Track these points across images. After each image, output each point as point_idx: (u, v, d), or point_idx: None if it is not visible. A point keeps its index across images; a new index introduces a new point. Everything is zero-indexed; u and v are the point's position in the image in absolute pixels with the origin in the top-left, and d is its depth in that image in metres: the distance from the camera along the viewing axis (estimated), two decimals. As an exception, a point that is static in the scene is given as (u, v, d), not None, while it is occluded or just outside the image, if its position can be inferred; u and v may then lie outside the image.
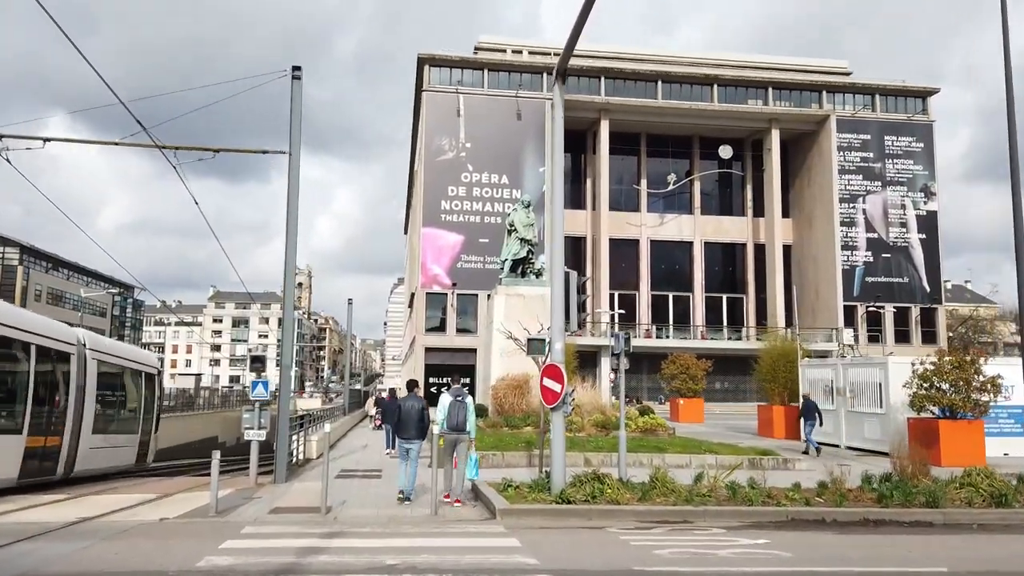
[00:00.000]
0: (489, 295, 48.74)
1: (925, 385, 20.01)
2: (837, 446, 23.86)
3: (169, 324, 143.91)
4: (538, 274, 30.41)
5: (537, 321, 29.16)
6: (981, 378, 19.42)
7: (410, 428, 11.94)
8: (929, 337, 53.40)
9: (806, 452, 21.78)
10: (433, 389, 47.82)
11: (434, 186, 49.83)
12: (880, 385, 22.35)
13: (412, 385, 12.92)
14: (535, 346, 11.79)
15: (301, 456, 19.11)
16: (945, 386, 19.82)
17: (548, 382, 11.57)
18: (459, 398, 11.70)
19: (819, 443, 24.13)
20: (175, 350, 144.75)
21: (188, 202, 15.45)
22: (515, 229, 30.21)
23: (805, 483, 12.59)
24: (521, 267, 30.16)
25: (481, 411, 28.69)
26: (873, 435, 22.56)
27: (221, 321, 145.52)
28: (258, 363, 14.67)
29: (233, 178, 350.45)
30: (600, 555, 8.02)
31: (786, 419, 28.08)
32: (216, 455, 10.99)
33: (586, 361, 39.88)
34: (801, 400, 23.84)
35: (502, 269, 30.53)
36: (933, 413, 20.29)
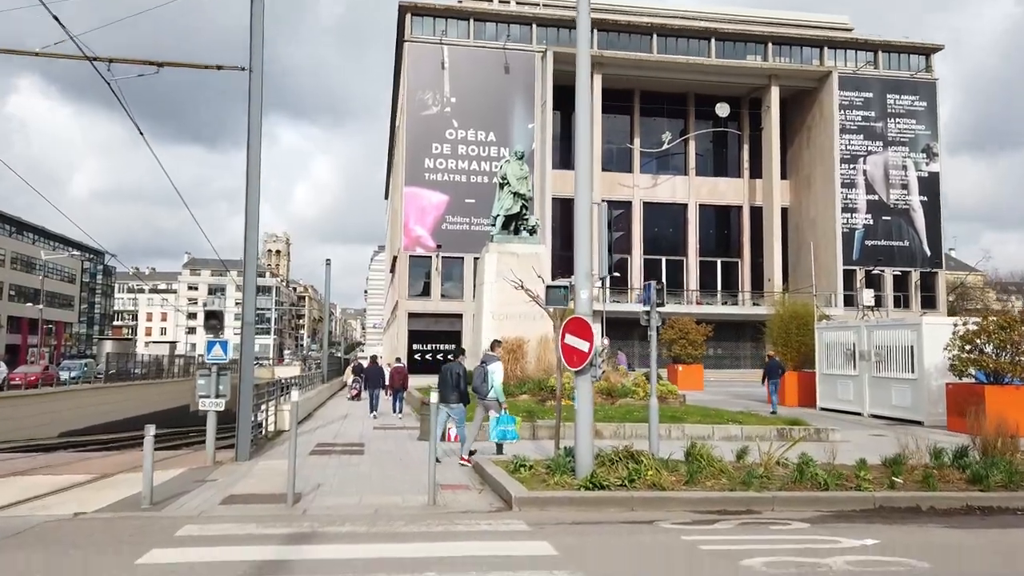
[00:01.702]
0: (476, 259, 46.40)
1: (968, 348, 18.06)
2: (859, 414, 21.94)
3: (143, 292, 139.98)
4: (532, 231, 28.00)
5: (530, 283, 26.89)
6: (1031, 339, 17.50)
7: (449, 393, 11.82)
8: (928, 302, 51.87)
9: (773, 412, 21.25)
10: (416, 356, 45.52)
11: (417, 143, 46.98)
12: (912, 348, 20.35)
13: (458, 352, 12.92)
14: (554, 295, 9.48)
15: (272, 428, 16.77)
16: (989, 348, 17.90)
17: (572, 339, 9.28)
18: (483, 363, 11.57)
19: (841, 410, 22.34)
20: (149, 318, 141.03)
21: (163, 169, 12.84)
22: (507, 182, 27.70)
23: (845, 456, 10.56)
24: (514, 223, 27.70)
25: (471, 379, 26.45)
26: (902, 402, 20.62)
27: (196, 289, 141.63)
28: (214, 320, 12.35)
29: (211, 145, 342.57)
30: (669, 568, 5.79)
31: (799, 385, 26.16)
32: (150, 431, 8.61)
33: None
34: (766, 360, 23.27)
35: (493, 226, 28.06)
36: (974, 378, 18.40)
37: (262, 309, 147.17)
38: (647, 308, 11.09)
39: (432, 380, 35.06)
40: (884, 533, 7.14)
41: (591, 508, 8.22)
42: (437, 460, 10.58)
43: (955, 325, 18.55)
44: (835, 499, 8.63)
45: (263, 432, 16.17)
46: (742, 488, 8.85)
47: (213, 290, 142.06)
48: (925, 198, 52.25)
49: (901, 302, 52.25)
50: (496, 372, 11.67)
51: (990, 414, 17.28)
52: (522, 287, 11.35)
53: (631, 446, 10.07)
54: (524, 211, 28.07)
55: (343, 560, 5.90)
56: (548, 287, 9.58)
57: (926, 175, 52.35)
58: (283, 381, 23.73)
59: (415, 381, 30.82)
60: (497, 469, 10.05)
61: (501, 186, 28.15)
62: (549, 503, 8.24)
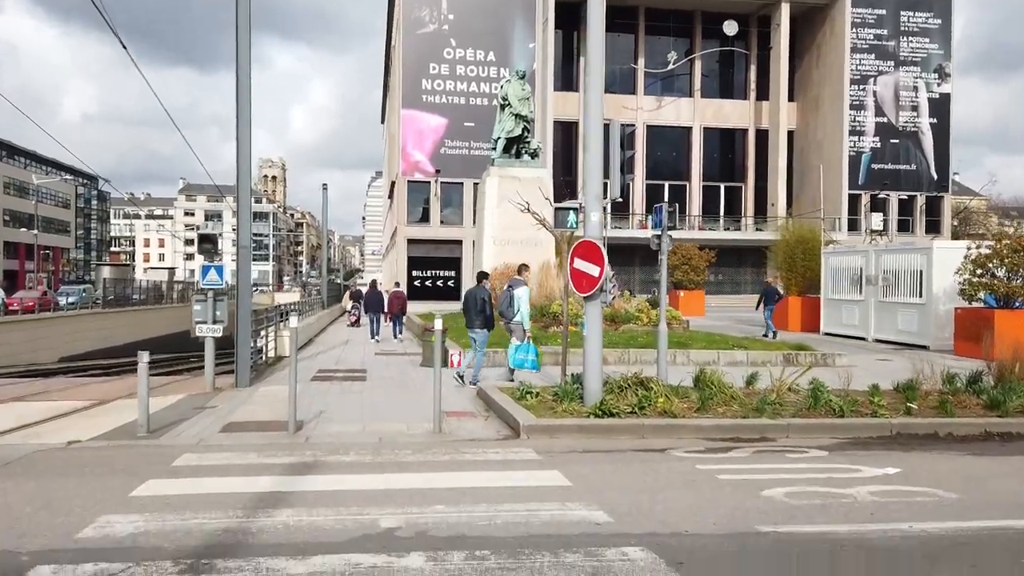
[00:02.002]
0: (477, 184, 45.54)
1: (979, 272, 17.73)
2: (864, 339, 21.82)
3: (139, 217, 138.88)
4: (534, 154, 27.25)
5: (533, 206, 26.34)
6: (1043, 263, 17.17)
7: (474, 318, 11.88)
8: (932, 227, 51.37)
9: (765, 335, 21.42)
10: (416, 283, 45.26)
11: (414, 63, 45.43)
12: (921, 273, 20.03)
13: (481, 276, 12.61)
14: (563, 218, 9.07)
15: (272, 354, 16.57)
16: (1001, 272, 17.58)
17: (582, 264, 8.87)
18: (510, 288, 11.40)
19: (846, 335, 22.22)
20: (147, 243, 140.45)
21: (152, 89, 12.18)
22: (508, 103, 26.79)
23: (855, 382, 10.33)
24: (516, 146, 26.93)
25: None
26: (908, 327, 20.44)
27: (193, 215, 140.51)
28: (208, 243, 11.80)
29: (204, 68, 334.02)
30: (689, 500, 5.55)
31: (802, 310, 25.97)
32: (143, 357, 8.28)
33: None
34: (763, 286, 23.37)
35: (494, 149, 27.30)
36: (983, 303, 18.15)
37: (260, 235, 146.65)
38: (658, 231, 10.66)
39: (432, 306, 35.03)
40: (905, 461, 6.92)
41: (601, 436, 7.99)
42: (465, 380, 11.42)
43: (968, 249, 18.17)
44: (851, 426, 8.41)
45: (263, 358, 15.96)
46: (755, 415, 8.62)
47: (210, 216, 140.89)
48: (934, 120, 51.02)
49: (907, 227, 51.70)
50: (523, 297, 11.41)
51: (999, 338, 17.14)
52: (528, 210, 10.87)
53: (640, 372, 9.83)
54: (526, 133, 27.26)
55: (348, 491, 5.65)
56: (556, 208, 9.13)
57: (937, 96, 50.97)
58: (282, 307, 23.50)
59: (415, 307, 30.65)
60: (503, 396, 9.82)
61: (502, 107, 27.24)
62: (558, 431, 8.01)
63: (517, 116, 26.57)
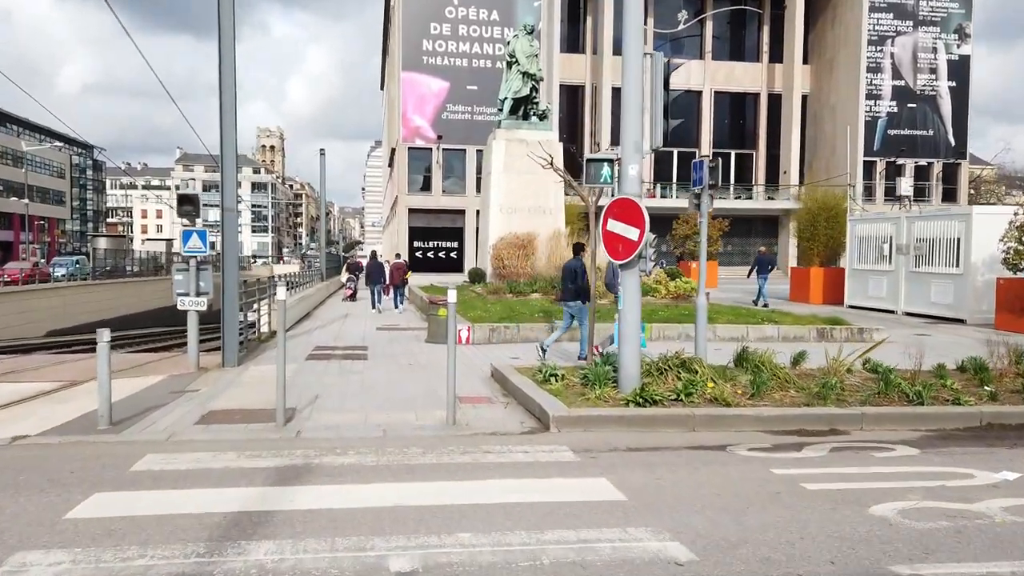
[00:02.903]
0: (480, 151, 43.95)
1: (1026, 238, 16.44)
2: (893, 312, 20.58)
3: (136, 188, 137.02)
4: (542, 116, 25.76)
5: (541, 173, 24.91)
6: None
7: (567, 290, 11.12)
8: (949, 195, 49.86)
9: (755, 303, 21.27)
10: (418, 254, 43.93)
11: (414, 23, 43.59)
12: (958, 241, 18.72)
13: (578, 248, 11.56)
14: (596, 171, 7.72)
15: (266, 329, 15.35)
16: (1049, 239, 16.32)
17: (618, 226, 7.58)
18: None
19: (873, 308, 21.02)
20: (144, 215, 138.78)
21: (144, 58, 10.95)
22: (516, 61, 25.25)
23: (892, 356, 9.37)
24: (523, 107, 25.43)
25: (479, 276, 24.96)
26: (943, 299, 19.19)
27: (190, 185, 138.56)
28: (188, 205, 10.48)
29: (203, 34, 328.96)
30: (783, 523, 4.34)
31: (825, 282, 24.69)
32: (104, 336, 7.05)
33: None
34: (758, 254, 23.00)
35: (500, 110, 25.81)
36: (1028, 273, 16.91)
37: (259, 206, 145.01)
38: (698, 189, 9.36)
39: (434, 278, 33.77)
40: (1018, 462, 5.72)
41: (644, 428, 6.78)
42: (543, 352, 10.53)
43: (1015, 214, 16.86)
44: (933, 415, 7.20)
45: (255, 334, 14.76)
46: (819, 402, 7.41)
47: (208, 186, 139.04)
48: (953, 83, 49.23)
49: (923, 194, 50.21)
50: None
51: (1048, 311, 15.94)
52: (551, 164, 9.56)
53: (681, 352, 8.61)
54: (534, 93, 25.75)
55: (346, 511, 4.44)
56: (588, 160, 7.79)
57: (956, 58, 49.10)
58: (278, 278, 22.24)
59: (417, 279, 29.38)
60: (523, 379, 8.61)
61: (509, 65, 25.69)
62: (593, 422, 6.80)
63: (525, 74, 25.05)
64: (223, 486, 4.94)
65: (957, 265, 18.62)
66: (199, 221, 11.22)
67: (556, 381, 8.35)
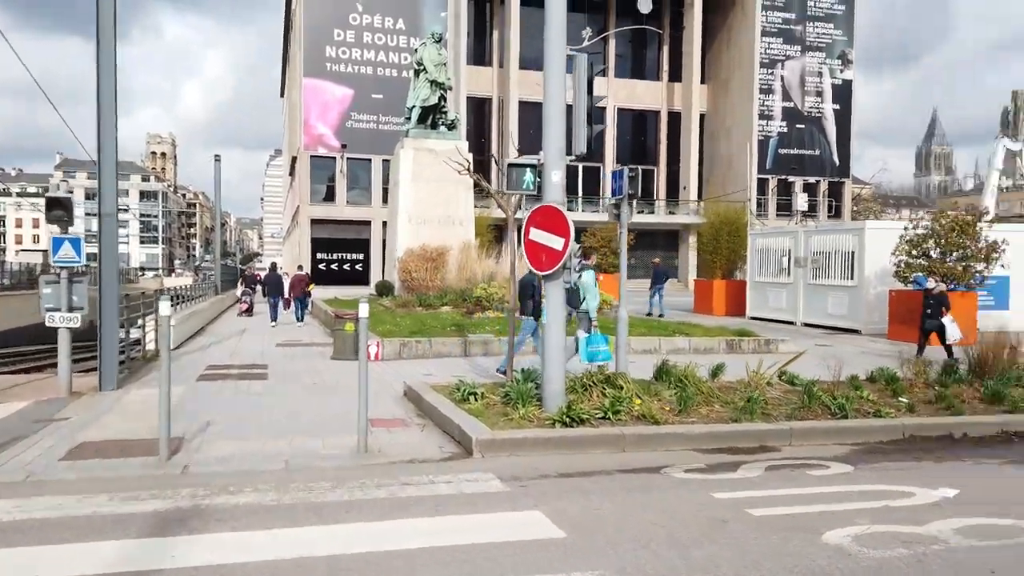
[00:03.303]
0: (386, 161, 42.94)
1: (915, 252, 17.23)
2: (792, 323, 21.19)
3: (9, 195, 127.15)
4: (451, 125, 25.32)
5: (451, 183, 24.46)
6: (981, 244, 16.82)
7: (525, 304, 10.58)
8: (835, 212, 52.64)
9: (650, 315, 21.49)
10: (322, 267, 42.39)
11: (317, 28, 42.25)
12: (853, 254, 19.48)
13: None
14: (517, 177, 7.27)
15: (152, 347, 14.07)
16: (935, 254, 17.16)
17: (540, 235, 7.16)
18: (576, 271, 9.69)
19: (773, 319, 21.60)
20: (19, 224, 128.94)
21: (32, 64, 9.65)
22: (424, 69, 24.72)
23: (803, 367, 9.41)
24: (432, 116, 24.90)
25: (387, 288, 24.12)
26: (839, 310, 19.90)
27: (72, 193, 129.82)
28: (59, 209, 9.33)
29: (89, 34, 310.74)
30: (736, 558, 3.97)
31: (727, 294, 25.26)
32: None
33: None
34: (653, 266, 23.51)
35: (408, 119, 25.19)
36: (915, 285, 17.72)
37: (148, 216, 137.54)
38: (616, 199, 9.09)
39: (339, 291, 32.56)
40: (951, 477, 5.62)
41: (573, 450, 6.35)
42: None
43: (905, 228, 17.67)
44: (857, 429, 7.11)
45: (140, 352, 13.52)
46: (747, 418, 7.20)
47: (91, 194, 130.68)
48: (837, 106, 52.15)
49: (813, 210, 52.76)
50: (590, 283, 9.92)
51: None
52: (468, 171, 9.06)
53: (605, 366, 8.26)
54: (443, 102, 25.26)
55: (240, 567, 3.74)
56: (511, 165, 7.34)
57: (840, 82, 52.05)
58: (168, 291, 20.68)
59: (321, 292, 28.20)
60: (439, 398, 8.03)
61: (417, 73, 25.11)
62: (519, 446, 6.30)
63: (433, 83, 24.54)
64: (88, 539, 4.13)
65: (852, 278, 19.34)
66: (73, 229, 10.06)
67: (476, 400, 7.82)
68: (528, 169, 7.18)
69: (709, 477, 5.59)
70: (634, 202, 9.55)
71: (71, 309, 9.65)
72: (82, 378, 11.12)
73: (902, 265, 17.14)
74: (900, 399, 8.45)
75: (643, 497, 5.01)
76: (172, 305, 17.09)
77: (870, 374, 9.50)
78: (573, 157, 7.20)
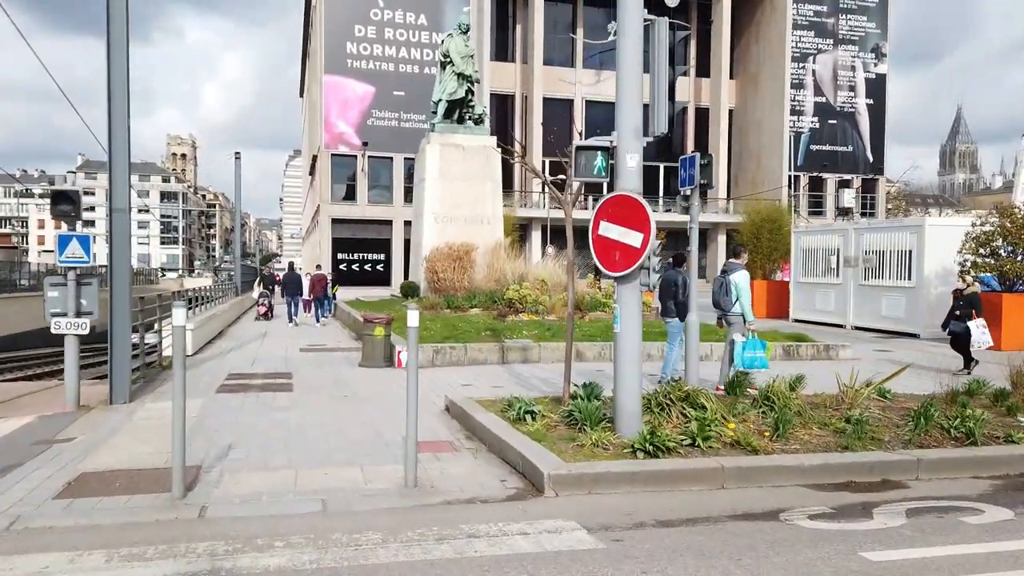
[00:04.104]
0: (407, 159, 42.05)
1: (983, 251, 16.01)
2: (841, 326, 20.00)
3: (32, 196, 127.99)
4: (479, 120, 24.27)
5: (478, 180, 23.46)
6: (1056, 241, 15.58)
7: (667, 304, 10.32)
8: (870, 210, 51.09)
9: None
10: (342, 267, 41.59)
11: (338, 24, 41.44)
12: (910, 253, 18.24)
13: (680, 260, 10.81)
14: (586, 162, 6.23)
15: (170, 352, 13.16)
16: (1004, 252, 15.96)
17: (612, 229, 6.11)
18: (725, 273, 9.80)
19: (819, 322, 20.39)
20: (41, 225, 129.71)
21: (53, 65, 8.85)
22: (450, 61, 23.71)
23: (869, 375, 8.18)
24: (459, 110, 23.88)
25: (412, 289, 23.16)
26: (894, 313, 18.66)
27: (94, 194, 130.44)
28: (66, 204, 8.41)
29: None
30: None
31: (768, 295, 24.07)
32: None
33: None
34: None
35: (434, 113, 24.19)
36: (984, 286, 16.48)
37: (168, 216, 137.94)
38: (688, 189, 8.02)
39: (360, 292, 31.63)
40: None
41: (662, 486, 5.29)
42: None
43: (972, 225, 16.43)
44: (994, 459, 5.98)
45: (157, 358, 12.63)
46: (857, 445, 6.09)
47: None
48: (871, 101, 50.57)
49: (842, 210, 51.26)
50: (742, 284, 9.37)
51: (1007, 325, 15.44)
52: (522, 159, 8.03)
53: (682, 380, 7.19)
54: (470, 96, 24.23)
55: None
56: (579, 148, 6.27)
57: (873, 77, 50.49)
58: (188, 293, 19.86)
59: (342, 294, 27.32)
60: (491, 417, 7.00)
61: (443, 66, 24.11)
62: (599, 482, 5.25)
63: (460, 76, 23.52)
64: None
65: (910, 278, 18.11)
66: (94, 230, 9.17)
67: (533, 420, 6.79)
68: (599, 153, 6.13)
69: (845, 527, 4.52)
70: (699, 194, 8.46)
71: (79, 314, 8.75)
72: (94, 387, 10.23)
73: (967, 264, 15.92)
74: (1019, 418, 7.33)
75: (779, 560, 3.94)
76: (190, 308, 16.20)
77: (967, 387, 8.36)
78: (651, 138, 6.15)
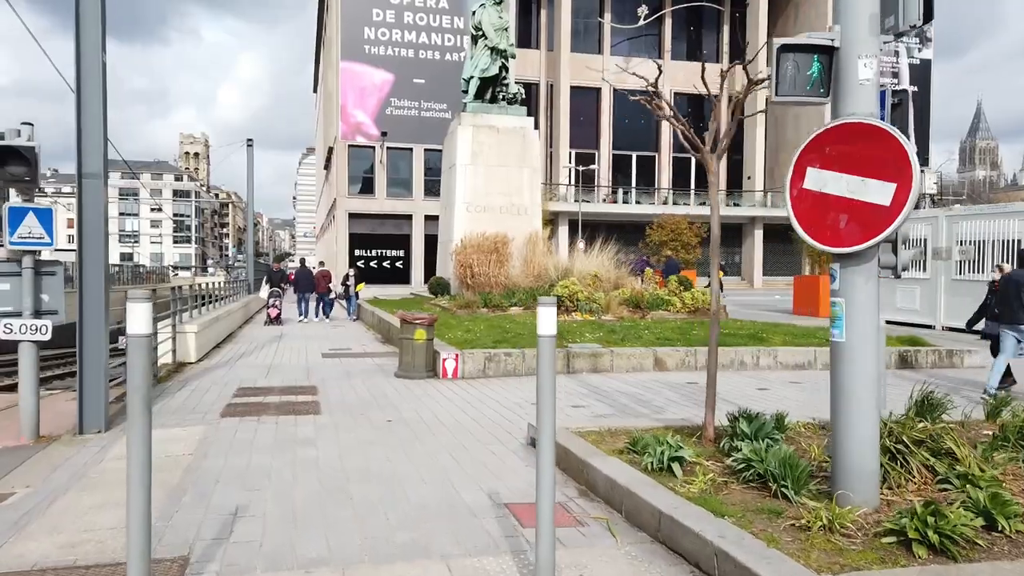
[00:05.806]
0: (428, 150, 39.91)
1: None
2: (930, 327, 17.59)
3: (44, 195, 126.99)
4: (512, 99, 22.00)
5: (514, 166, 21.21)
6: None
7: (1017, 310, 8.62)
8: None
9: None
10: (360, 264, 39.44)
11: (355, 7, 39.26)
12: (1018, 242, 15.86)
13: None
14: (793, 70, 3.96)
15: (170, 359, 10.99)
16: None
17: (832, 179, 3.85)
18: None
19: (902, 322, 18.00)
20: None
21: (48, 59, 6.77)
22: (483, 34, 21.48)
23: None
24: (492, 89, 21.62)
25: (442, 287, 20.92)
26: (998, 312, 16.19)
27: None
28: (18, 164, 6.18)
29: (125, 36, 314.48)
30: None
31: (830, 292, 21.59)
32: None
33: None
34: (666, 259, 22.04)
35: (465, 92, 21.96)
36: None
37: (181, 215, 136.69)
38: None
39: (379, 291, 29.39)
40: None
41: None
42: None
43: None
44: None
45: (154, 370, 10.41)
46: None
47: (125, 194, 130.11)
48: (915, 88, 47.81)
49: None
50: None
51: None
52: (668, 106, 5.82)
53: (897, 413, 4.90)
54: (504, 73, 21.94)
55: None
56: (783, 48, 3.98)
57: (917, 62, 47.77)
58: (196, 290, 17.72)
59: (362, 293, 25.13)
60: (621, 467, 4.73)
61: (474, 40, 21.85)
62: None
63: (494, 50, 21.27)
64: None
65: (1017, 271, 15.68)
66: (44, 199, 6.96)
67: (681, 468, 4.52)
68: (815, 56, 3.87)
69: None
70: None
71: (39, 314, 6.55)
72: (69, 404, 8.04)
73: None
74: None
75: None
76: (193, 308, 14.01)
77: None
78: (898, 36, 3.89)
